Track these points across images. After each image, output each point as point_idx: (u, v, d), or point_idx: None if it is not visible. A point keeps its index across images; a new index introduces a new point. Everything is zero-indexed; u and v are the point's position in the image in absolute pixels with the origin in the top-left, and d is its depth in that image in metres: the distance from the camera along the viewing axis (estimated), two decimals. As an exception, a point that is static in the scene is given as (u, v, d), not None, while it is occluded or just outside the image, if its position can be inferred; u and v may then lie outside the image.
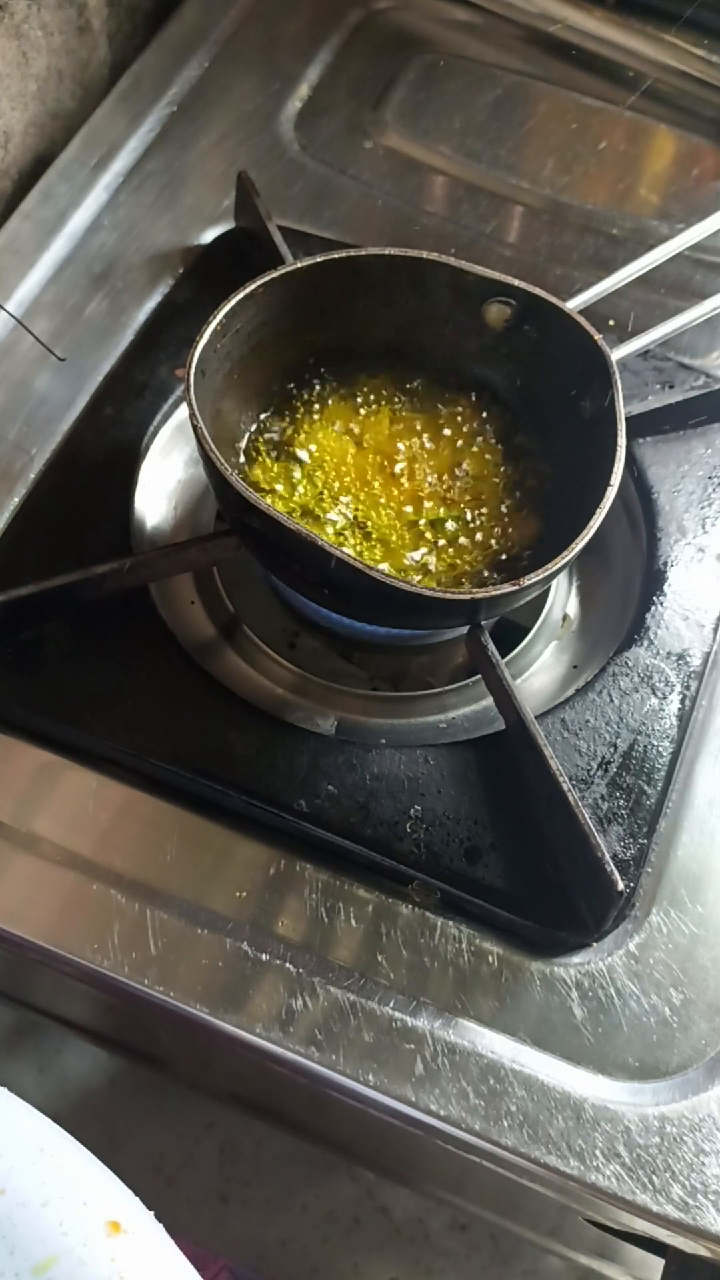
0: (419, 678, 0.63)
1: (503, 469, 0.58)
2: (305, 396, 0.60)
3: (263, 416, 0.59)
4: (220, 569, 0.61)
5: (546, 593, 0.62)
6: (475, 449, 0.59)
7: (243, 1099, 0.70)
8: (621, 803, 0.53)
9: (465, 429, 0.59)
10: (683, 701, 0.56)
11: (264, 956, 0.49)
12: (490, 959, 0.50)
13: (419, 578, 0.55)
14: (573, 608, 0.62)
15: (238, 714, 0.54)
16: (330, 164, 0.75)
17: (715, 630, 0.58)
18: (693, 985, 0.50)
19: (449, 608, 0.51)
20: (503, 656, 0.54)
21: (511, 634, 0.60)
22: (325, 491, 0.57)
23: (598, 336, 0.53)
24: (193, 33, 0.80)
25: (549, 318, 0.55)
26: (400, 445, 0.58)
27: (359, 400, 0.60)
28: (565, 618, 0.62)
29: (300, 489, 0.57)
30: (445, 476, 0.58)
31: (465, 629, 0.54)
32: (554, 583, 0.60)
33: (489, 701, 0.56)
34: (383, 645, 0.61)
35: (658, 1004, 0.50)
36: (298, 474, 0.57)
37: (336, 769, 0.53)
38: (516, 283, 0.55)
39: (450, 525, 0.56)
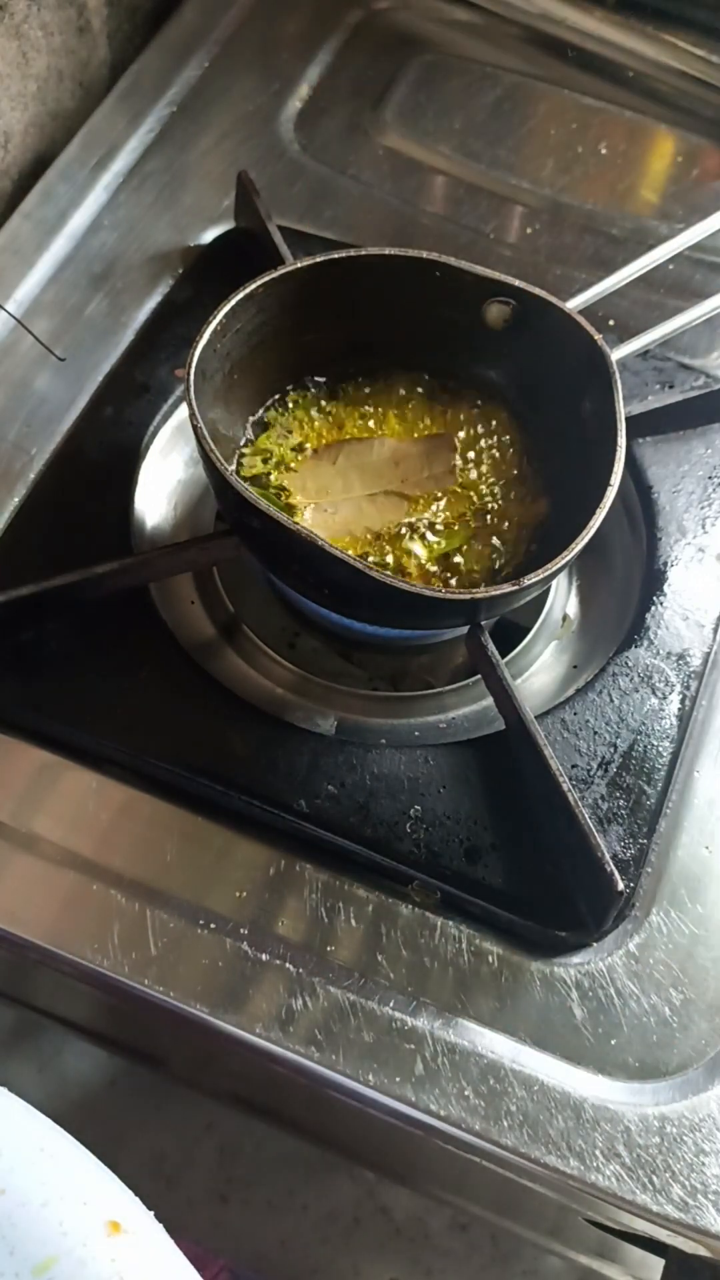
0: (419, 678, 0.63)
1: (502, 469, 0.58)
2: (305, 397, 0.60)
3: (263, 416, 0.59)
4: (220, 569, 0.61)
5: (546, 593, 0.62)
6: (475, 449, 0.59)
7: (243, 1099, 0.70)
8: (621, 803, 0.53)
9: (465, 429, 0.59)
10: (683, 701, 0.56)
11: (264, 956, 0.49)
12: (490, 959, 0.50)
13: (425, 574, 0.55)
14: (573, 608, 0.62)
15: (238, 714, 0.54)
16: (330, 164, 0.75)
17: (715, 630, 0.58)
18: (693, 985, 0.50)
19: (449, 608, 0.51)
20: (503, 656, 0.54)
21: (511, 634, 0.60)
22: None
23: (598, 336, 0.53)
24: (193, 33, 0.80)
25: (549, 318, 0.55)
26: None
27: (358, 400, 0.60)
28: (565, 618, 0.62)
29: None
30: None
31: (465, 629, 0.54)
32: (554, 583, 0.60)
33: (489, 701, 0.56)
34: (383, 645, 0.61)
35: (658, 1004, 0.50)
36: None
37: (336, 769, 0.53)
38: (516, 283, 0.55)
39: (447, 536, 0.56)
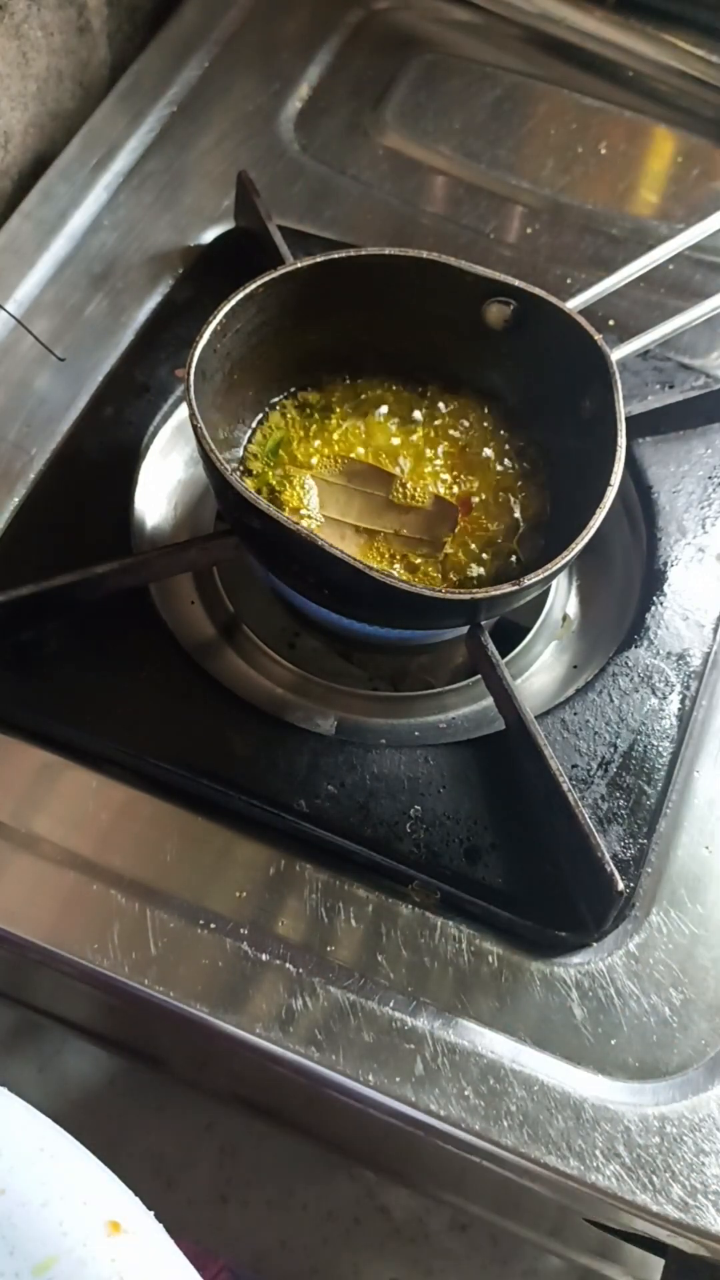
0: (419, 678, 0.63)
1: (502, 469, 0.58)
2: (305, 397, 0.60)
3: (263, 417, 0.59)
4: (220, 569, 0.61)
5: (546, 593, 0.62)
6: (475, 449, 0.59)
7: (243, 1099, 0.70)
8: (621, 803, 0.53)
9: (465, 429, 0.59)
10: (683, 701, 0.56)
11: (264, 956, 0.49)
12: (490, 959, 0.50)
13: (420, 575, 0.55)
14: (573, 608, 0.62)
15: (238, 714, 0.54)
16: (330, 164, 0.75)
17: (715, 630, 0.58)
18: (693, 985, 0.50)
19: (449, 608, 0.51)
20: (503, 656, 0.54)
21: (511, 634, 0.60)
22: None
23: (598, 336, 0.53)
24: (193, 33, 0.80)
25: (549, 318, 0.55)
26: (400, 445, 0.58)
27: (358, 400, 0.60)
28: (565, 618, 0.62)
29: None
30: (445, 476, 0.58)
31: (465, 629, 0.54)
32: (554, 583, 0.60)
33: (489, 701, 0.56)
34: (383, 645, 0.61)
35: (658, 1004, 0.50)
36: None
37: (336, 769, 0.53)
38: (516, 283, 0.55)
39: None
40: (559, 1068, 0.48)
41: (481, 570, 0.55)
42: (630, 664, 0.56)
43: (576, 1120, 0.47)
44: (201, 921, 0.50)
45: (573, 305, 0.57)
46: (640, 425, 0.62)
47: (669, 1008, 0.49)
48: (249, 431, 0.59)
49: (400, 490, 0.56)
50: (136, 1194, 0.41)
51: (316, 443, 0.58)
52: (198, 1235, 0.77)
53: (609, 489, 0.50)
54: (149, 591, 0.58)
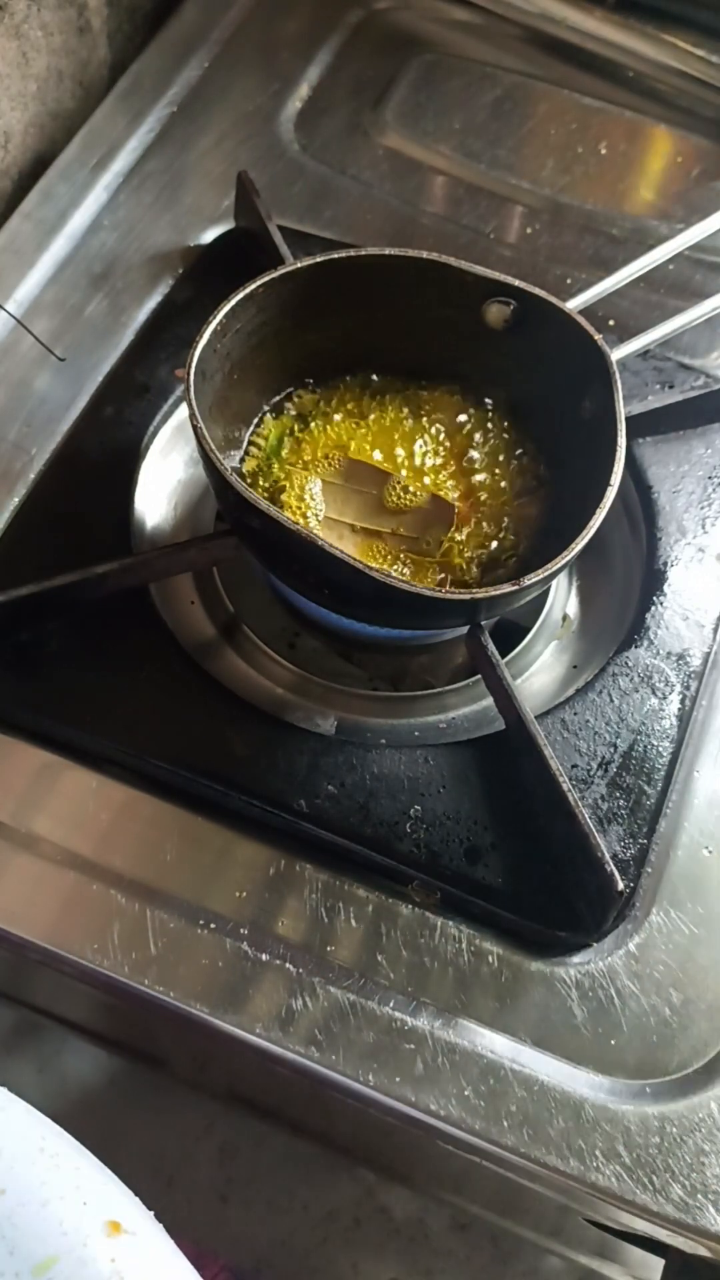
0: (419, 678, 0.63)
1: (503, 469, 0.58)
2: (305, 397, 0.60)
3: (263, 417, 0.59)
4: (220, 569, 0.61)
5: (546, 593, 0.62)
6: (475, 449, 0.59)
7: (243, 1099, 0.70)
8: (621, 803, 0.53)
9: (465, 429, 0.59)
10: (683, 701, 0.56)
11: (264, 956, 0.49)
12: (490, 959, 0.50)
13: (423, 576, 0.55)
14: (573, 608, 0.62)
15: (238, 714, 0.54)
16: (330, 164, 0.75)
17: (715, 630, 0.58)
18: (693, 985, 0.50)
19: (449, 608, 0.51)
20: (503, 656, 0.54)
21: (511, 634, 0.60)
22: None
23: (598, 336, 0.53)
24: (193, 33, 0.80)
25: (549, 318, 0.55)
26: (400, 445, 0.58)
27: (358, 400, 0.60)
28: (565, 618, 0.62)
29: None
30: (445, 477, 0.58)
31: (465, 629, 0.54)
32: (554, 583, 0.60)
33: (489, 701, 0.56)
34: (383, 645, 0.61)
35: (658, 1004, 0.50)
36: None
37: (336, 769, 0.53)
38: (516, 283, 0.55)
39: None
40: (559, 1068, 0.48)
41: (481, 570, 0.55)
42: (630, 664, 0.56)
43: (576, 1120, 0.47)
44: (201, 921, 0.50)
45: (573, 305, 0.57)
46: (640, 425, 0.62)
47: (669, 1008, 0.49)
48: (249, 431, 0.59)
49: (398, 490, 0.56)
50: (136, 1194, 0.41)
51: (316, 442, 0.58)
52: (198, 1235, 0.77)
53: (609, 489, 0.50)
54: (149, 591, 0.58)
